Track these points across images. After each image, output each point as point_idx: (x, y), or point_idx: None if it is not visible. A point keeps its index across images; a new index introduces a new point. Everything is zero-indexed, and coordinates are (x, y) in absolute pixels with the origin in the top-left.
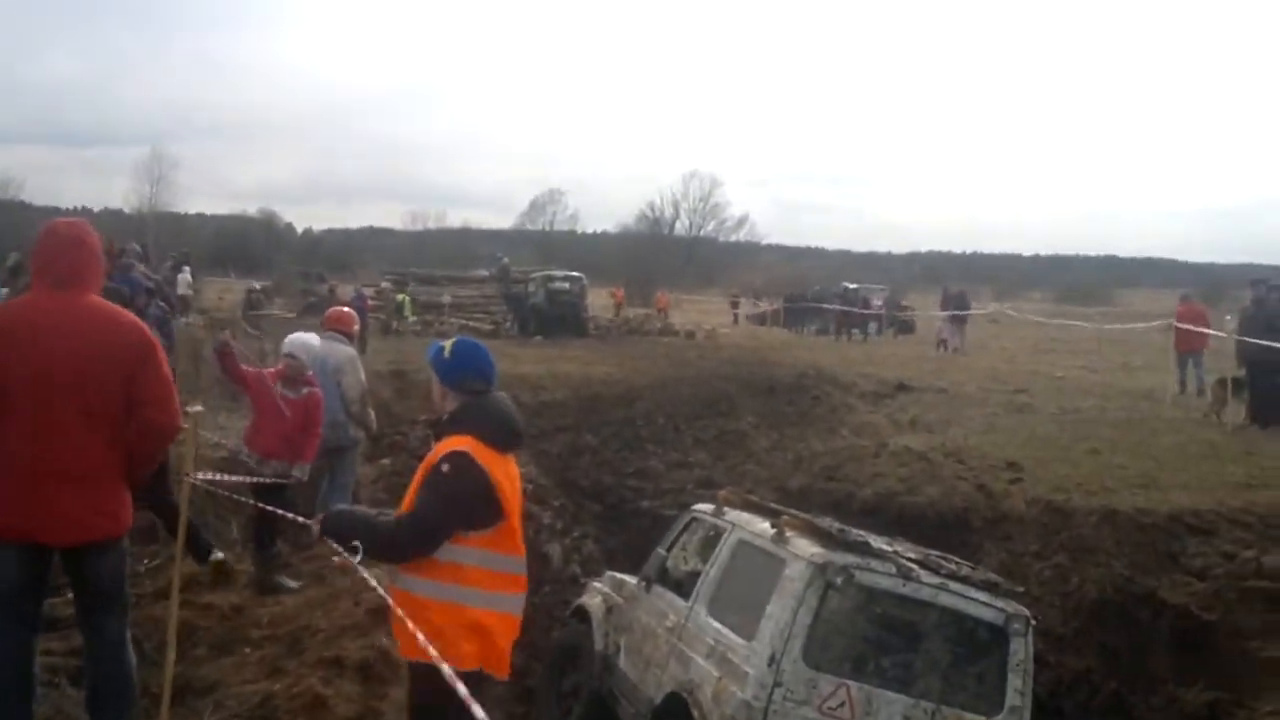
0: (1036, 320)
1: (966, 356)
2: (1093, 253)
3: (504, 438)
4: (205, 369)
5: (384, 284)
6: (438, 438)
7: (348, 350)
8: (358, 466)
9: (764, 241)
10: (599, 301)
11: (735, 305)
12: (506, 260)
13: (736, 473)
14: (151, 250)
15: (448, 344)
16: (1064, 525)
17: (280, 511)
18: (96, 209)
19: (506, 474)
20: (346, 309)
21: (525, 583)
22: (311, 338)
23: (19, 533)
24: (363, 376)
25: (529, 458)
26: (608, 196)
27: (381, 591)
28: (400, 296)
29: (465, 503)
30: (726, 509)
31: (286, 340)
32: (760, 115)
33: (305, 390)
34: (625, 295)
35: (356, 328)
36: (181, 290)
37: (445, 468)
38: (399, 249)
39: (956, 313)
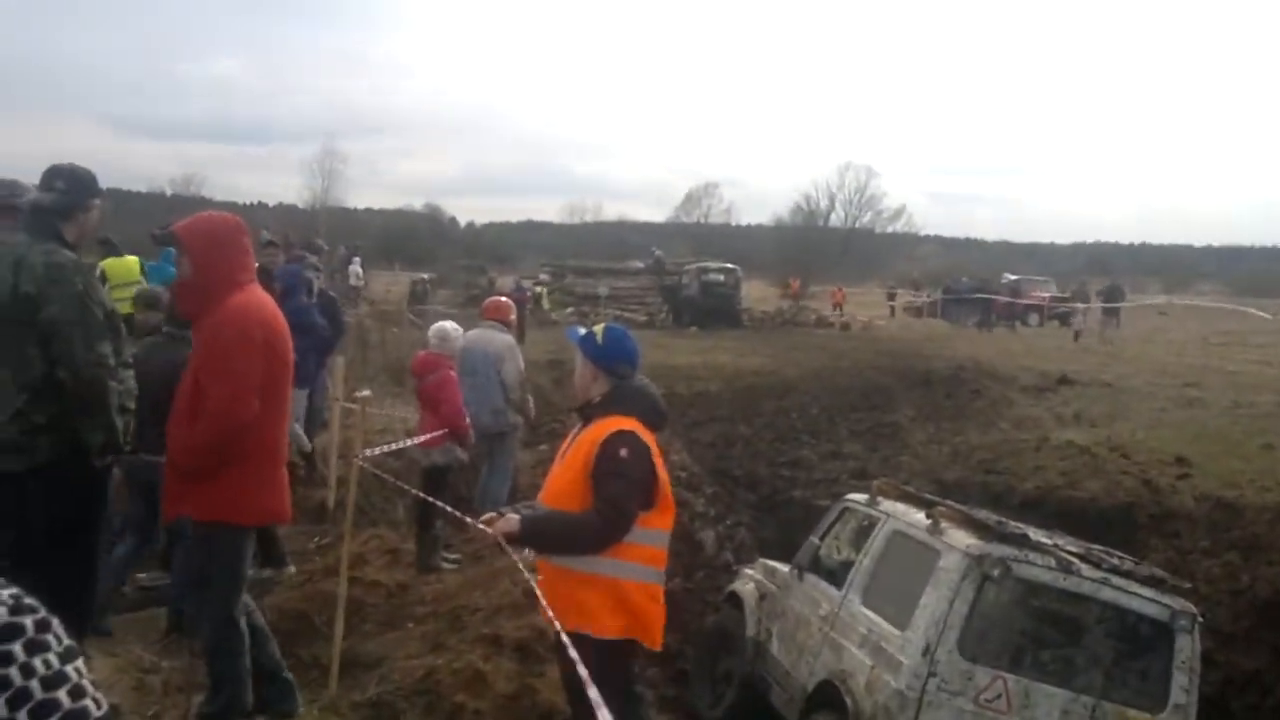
0: (1210, 306)
1: (1113, 348)
2: (1268, 243)
3: (656, 418)
4: (373, 355)
5: (542, 276)
6: (587, 420)
7: (506, 339)
8: (517, 452)
9: (922, 233)
10: (755, 293)
11: (892, 297)
12: (661, 253)
13: (891, 465)
14: (323, 242)
15: (599, 329)
16: (1235, 522)
17: (439, 504)
18: (271, 204)
19: (657, 451)
20: (504, 299)
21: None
22: (450, 326)
23: (277, 516)
24: (521, 364)
25: (683, 446)
26: (763, 189)
27: (528, 575)
28: (539, 289)
29: (645, 484)
30: (881, 499)
31: (430, 331)
32: (917, 104)
33: (431, 376)
34: (795, 286)
35: (514, 317)
36: (352, 282)
37: (624, 452)
38: (556, 241)
39: (1106, 305)
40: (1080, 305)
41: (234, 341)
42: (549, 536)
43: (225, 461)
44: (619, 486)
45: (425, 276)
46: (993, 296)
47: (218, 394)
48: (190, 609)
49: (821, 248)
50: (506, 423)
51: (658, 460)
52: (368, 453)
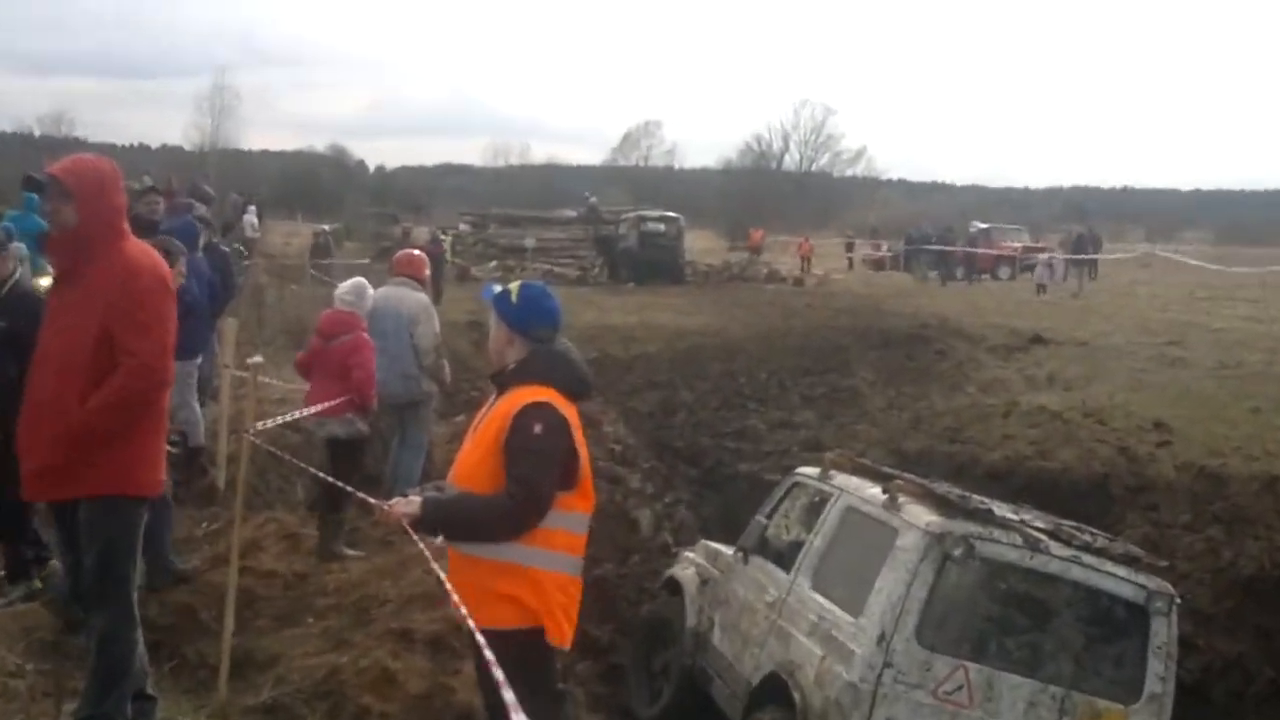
0: (1194, 264)
1: (1085, 302)
2: (1259, 187)
3: (579, 386)
4: (270, 316)
5: (462, 226)
6: (502, 388)
7: (420, 297)
8: (431, 424)
9: (884, 176)
10: (700, 244)
11: (850, 248)
12: (595, 200)
13: (847, 434)
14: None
15: (513, 287)
16: (1218, 493)
17: (339, 484)
18: (154, 145)
19: (577, 425)
20: (416, 252)
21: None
22: (363, 282)
23: (160, 489)
24: (437, 326)
25: (618, 415)
26: (710, 130)
27: (435, 566)
28: (446, 238)
29: (563, 462)
30: (834, 473)
31: (339, 287)
32: (880, 36)
33: (344, 338)
34: (758, 237)
35: (427, 273)
36: (248, 234)
37: (538, 428)
38: (478, 187)
39: (1074, 256)
40: (1045, 255)
41: (154, 291)
42: (455, 522)
43: (128, 426)
44: (533, 465)
45: (328, 227)
46: (953, 249)
47: (142, 348)
48: (90, 599)
49: (774, 193)
50: (419, 391)
51: (578, 435)
52: (260, 426)
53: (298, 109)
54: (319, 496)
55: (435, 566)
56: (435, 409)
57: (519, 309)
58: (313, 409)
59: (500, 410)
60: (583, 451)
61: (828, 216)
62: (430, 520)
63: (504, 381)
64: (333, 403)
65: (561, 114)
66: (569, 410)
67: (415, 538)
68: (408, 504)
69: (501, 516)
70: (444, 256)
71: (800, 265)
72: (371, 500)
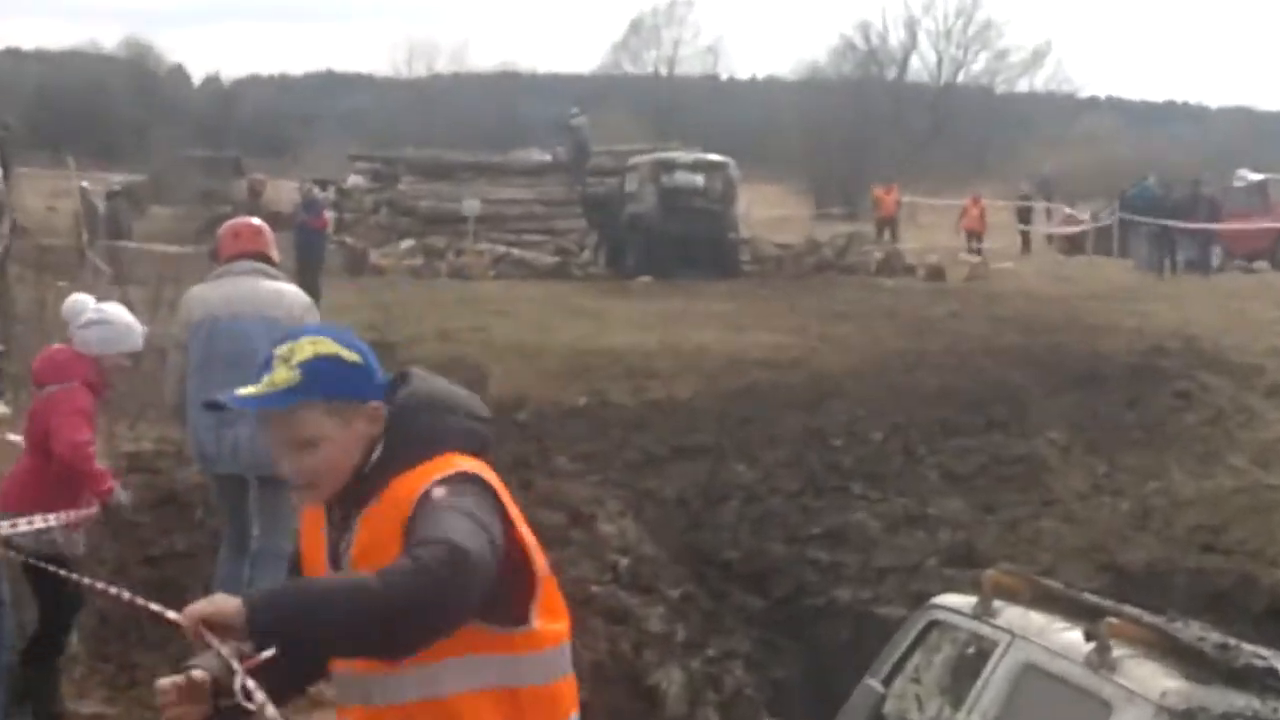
0: None
1: None
2: None
3: (479, 429)
4: (24, 336)
5: (354, 178)
6: (364, 499)
7: (294, 292)
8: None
9: (1082, 94)
10: (763, 210)
11: (1025, 216)
12: (584, 120)
13: (1021, 536)
14: None
15: (323, 348)
16: None
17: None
18: None
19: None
20: (255, 220)
21: None
22: (83, 299)
23: None
24: None
25: (621, 506)
26: (774, 17)
27: None
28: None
29: (498, 534)
30: (1000, 604)
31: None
32: None
33: (48, 390)
34: (890, 199)
35: (276, 253)
36: None
37: (449, 491)
38: (382, 114)
39: None
40: None
41: None
42: (316, 611)
43: None
44: (451, 521)
45: (120, 181)
46: (1200, 224)
47: None
48: None
49: (891, 121)
50: None
51: (511, 507)
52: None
53: None
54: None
55: None
56: None
57: (361, 369)
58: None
59: (384, 513)
60: (526, 535)
61: (984, 161)
62: (264, 618)
63: (368, 488)
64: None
65: None
66: (485, 471)
67: (227, 658)
68: (211, 603)
69: (407, 587)
70: (325, 233)
71: (965, 244)
72: (155, 607)
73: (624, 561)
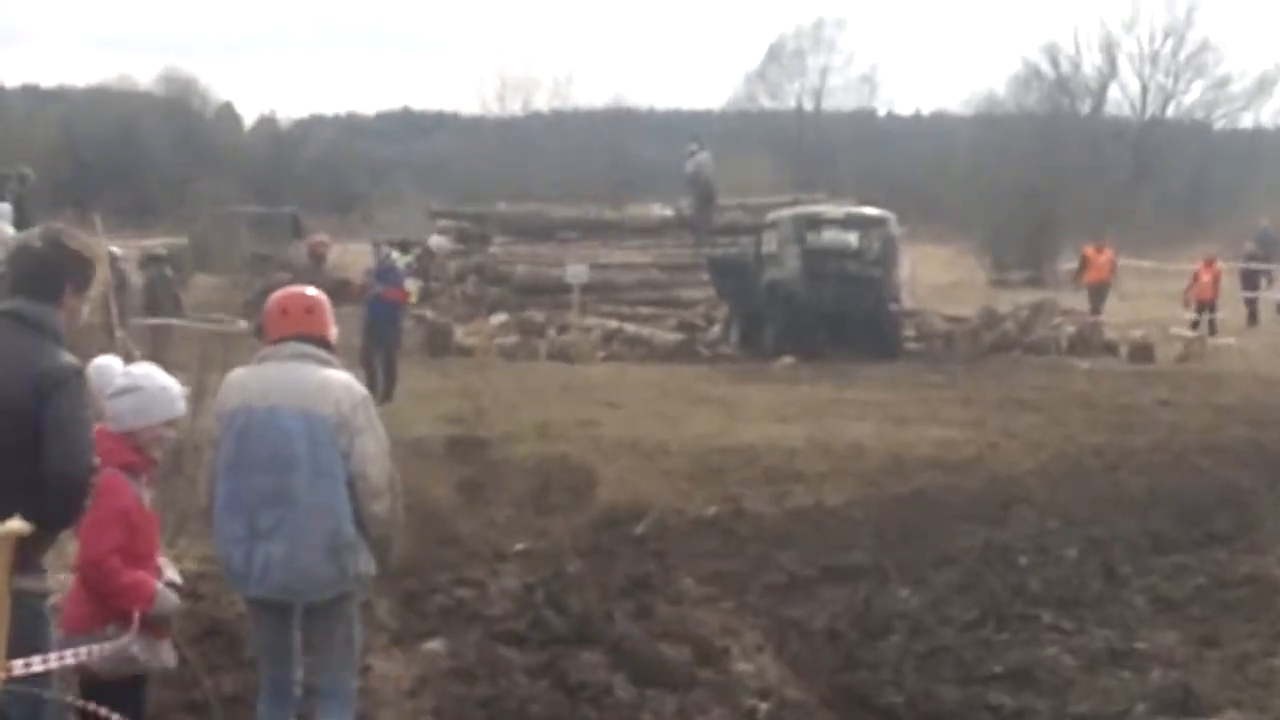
0: None
1: None
2: None
3: None
4: None
5: (436, 238)
6: None
7: (347, 382)
8: (361, 641)
9: None
10: (932, 275)
11: (1252, 280)
12: (705, 156)
13: (1249, 676)
14: None
15: None
16: None
17: None
18: None
19: None
20: (310, 290)
21: None
22: (108, 365)
23: None
24: (386, 441)
25: (760, 637)
26: (941, 40)
27: None
28: (398, 255)
29: None
30: None
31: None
32: None
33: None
34: (1102, 260)
35: (334, 330)
36: None
37: None
38: (468, 160)
39: None
40: None
41: None
42: None
43: None
44: None
45: (157, 246)
46: None
47: None
48: None
49: (1087, 167)
50: (352, 574)
51: None
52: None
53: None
54: None
55: None
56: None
57: None
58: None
59: None
60: None
61: (1198, 212)
62: None
63: None
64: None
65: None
66: None
67: None
68: None
69: None
70: (404, 306)
71: (1195, 316)
72: None
73: (764, 707)
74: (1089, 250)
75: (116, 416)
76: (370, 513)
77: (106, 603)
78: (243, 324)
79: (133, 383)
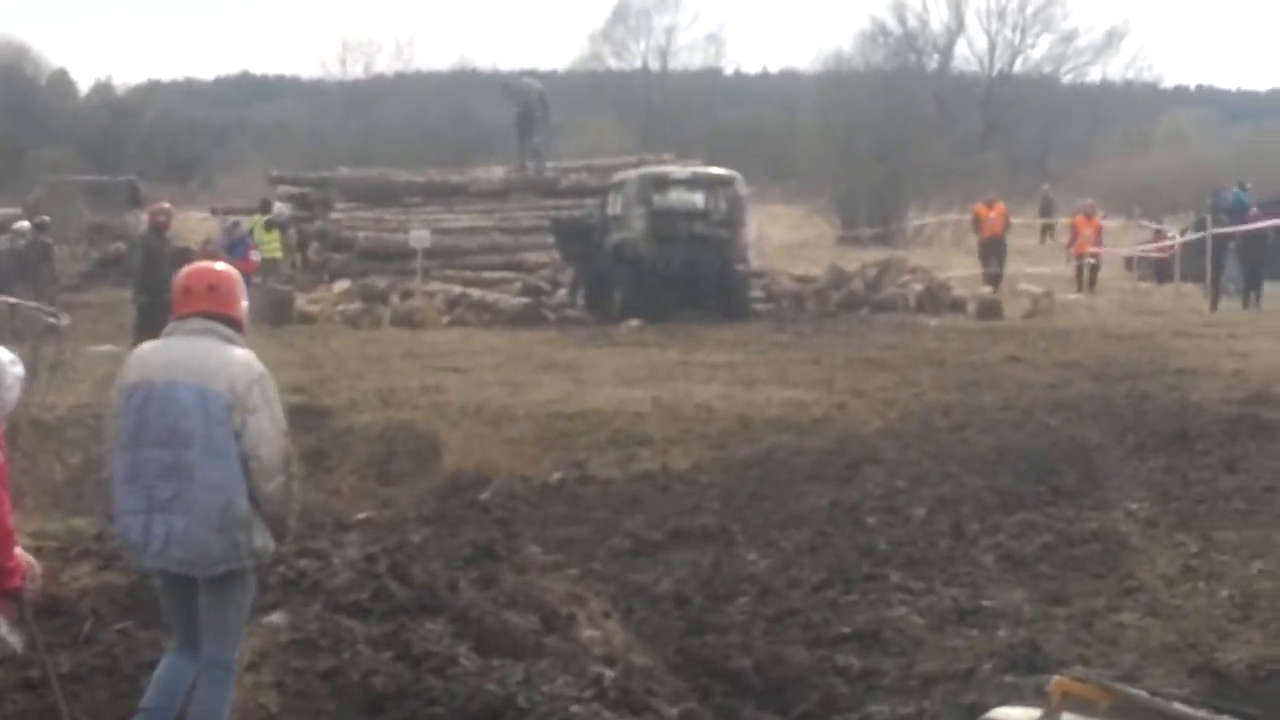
0: None
1: None
2: None
3: None
4: None
5: (279, 205)
6: None
7: (247, 359)
8: (247, 608)
9: (1166, 83)
10: (781, 233)
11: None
12: (534, 83)
13: (1096, 632)
14: None
15: None
16: None
17: None
18: None
19: None
20: (219, 265)
21: None
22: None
23: None
24: (282, 418)
25: (606, 603)
26: (784, 3)
27: None
28: (254, 218)
29: None
30: (1070, 717)
31: None
32: None
33: None
34: (994, 216)
35: (245, 305)
36: None
37: None
38: (310, 124)
39: None
40: None
41: None
42: None
43: None
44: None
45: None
46: None
47: None
48: None
49: (934, 124)
50: (245, 549)
51: None
52: None
53: None
54: None
55: None
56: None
57: None
58: None
59: None
60: None
61: (1046, 167)
62: None
63: None
64: None
65: None
66: None
67: None
68: None
69: None
70: (252, 278)
71: (1077, 273)
72: None
73: (610, 674)
74: (980, 207)
75: None
76: (264, 492)
77: None
78: (66, 319)
79: None
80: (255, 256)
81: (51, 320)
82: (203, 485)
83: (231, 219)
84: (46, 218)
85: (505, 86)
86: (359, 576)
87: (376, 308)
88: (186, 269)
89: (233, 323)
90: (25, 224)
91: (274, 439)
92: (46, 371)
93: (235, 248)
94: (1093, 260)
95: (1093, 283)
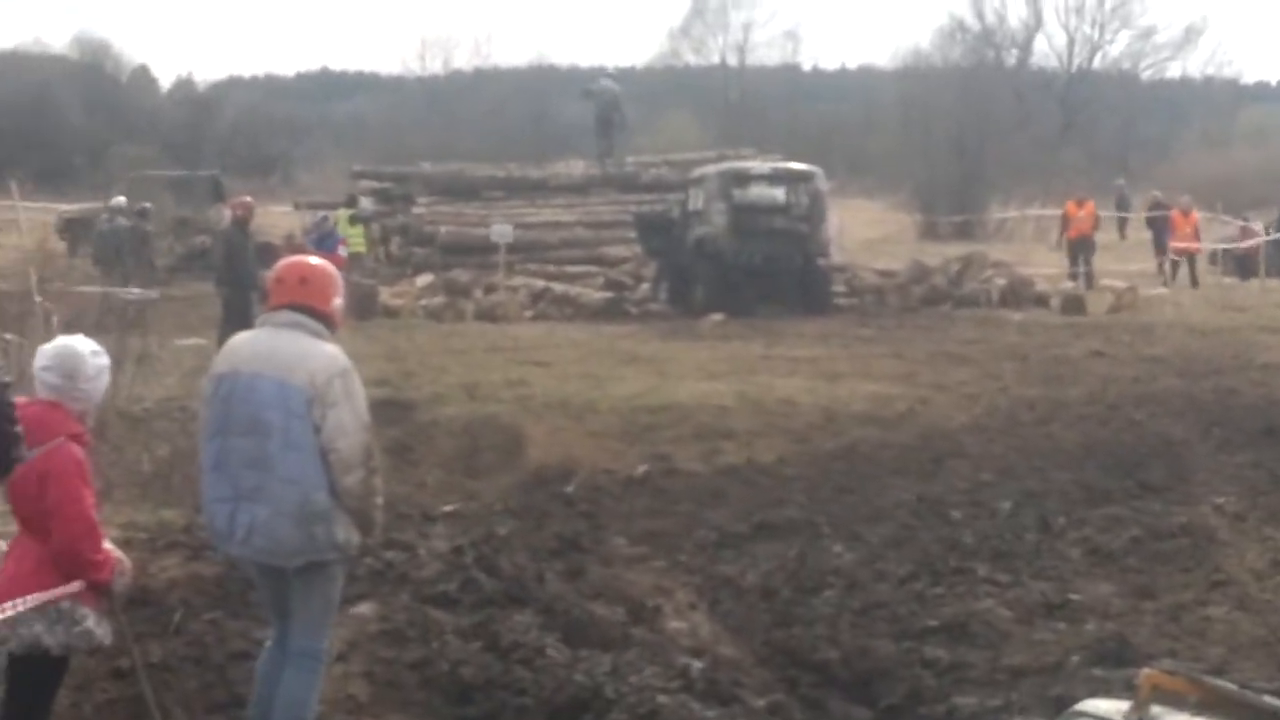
0: None
1: None
2: None
3: None
4: None
5: (362, 201)
6: None
7: (332, 354)
8: (337, 602)
9: (1246, 79)
10: (863, 229)
11: (1169, 232)
12: (613, 84)
13: (1184, 625)
14: None
15: None
16: None
17: None
18: None
19: None
20: (313, 260)
21: None
22: (71, 350)
23: None
24: (365, 412)
25: (692, 595)
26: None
27: None
28: (339, 213)
29: None
30: (1159, 709)
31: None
32: None
33: (36, 452)
34: (1084, 215)
35: (339, 302)
36: None
37: None
38: (389, 120)
39: None
40: None
41: None
42: None
43: None
44: None
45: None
46: None
47: None
48: None
49: (1013, 120)
50: (327, 543)
51: None
52: None
53: None
54: None
55: None
56: (345, 574)
57: None
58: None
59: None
60: None
61: (1126, 163)
62: None
63: None
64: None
65: None
66: None
67: None
68: None
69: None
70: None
71: (1172, 268)
72: None
73: (697, 665)
74: (1070, 205)
75: (53, 387)
76: (343, 485)
77: (72, 574)
78: (154, 294)
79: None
80: (344, 251)
81: (144, 295)
82: (281, 478)
83: (321, 213)
84: (148, 204)
85: (585, 91)
86: (446, 568)
87: (459, 302)
88: (283, 261)
89: (322, 316)
90: (122, 199)
91: (354, 433)
92: (133, 364)
93: (324, 242)
94: (1191, 256)
95: (1194, 279)
